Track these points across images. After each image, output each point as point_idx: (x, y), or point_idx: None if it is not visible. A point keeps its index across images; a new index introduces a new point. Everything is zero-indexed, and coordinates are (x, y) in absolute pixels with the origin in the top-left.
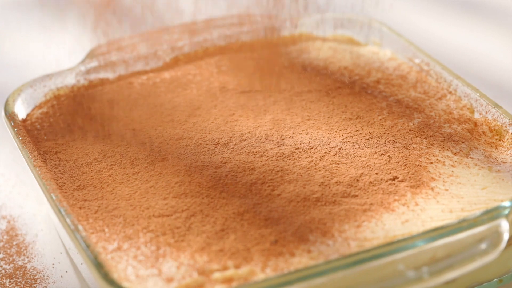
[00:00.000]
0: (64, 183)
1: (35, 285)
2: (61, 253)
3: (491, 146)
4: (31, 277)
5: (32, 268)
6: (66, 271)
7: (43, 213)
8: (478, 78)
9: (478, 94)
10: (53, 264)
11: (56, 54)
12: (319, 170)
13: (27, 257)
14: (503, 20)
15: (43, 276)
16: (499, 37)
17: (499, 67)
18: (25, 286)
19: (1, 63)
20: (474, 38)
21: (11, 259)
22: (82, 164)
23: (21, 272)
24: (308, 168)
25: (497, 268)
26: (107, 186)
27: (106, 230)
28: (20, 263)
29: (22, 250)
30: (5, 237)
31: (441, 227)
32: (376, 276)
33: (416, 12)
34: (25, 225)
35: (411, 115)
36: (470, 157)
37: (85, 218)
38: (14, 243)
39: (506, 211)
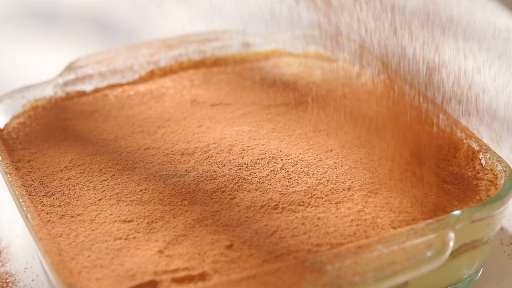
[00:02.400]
0: (34, 189)
1: None
2: (33, 258)
3: (447, 159)
4: (3, 280)
5: (5, 272)
6: (37, 275)
7: (20, 219)
8: (445, 91)
9: (438, 109)
10: (25, 268)
11: (36, 67)
12: (278, 180)
13: (1, 262)
14: (472, 37)
15: (15, 279)
16: (467, 53)
17: (463, 81)
18: None
19: None
20: (442, 53)
21: None
22: (52, 172)
23: None
24: (268, 177)
25: (451, 276)
26: (75, 193)
27: (70, 234)
28: None
29: None
30: None
31: (391, 235)
32: (323, 280)
33: (387, 27)
34: (1, 230)
35: (373, 129)
36: (426, 168)
37: (51, 223)
38: None
39: (452, 222)
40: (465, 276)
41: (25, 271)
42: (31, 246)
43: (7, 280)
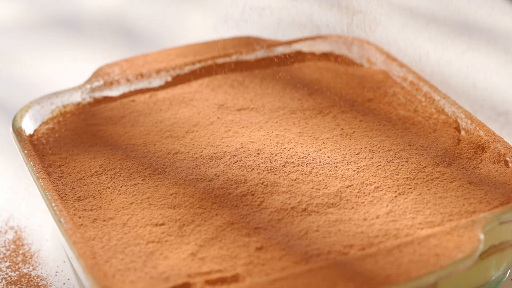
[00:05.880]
0: (66, 194)
1: None
2: (64, 261)
3: (474, 161)
4: (35, 284)
5: (36, 276)
6: (68, 279)
7: (50, 224)
8: (468, 96)
9: (463, 113)
10: (56, 272)
11: (64, 73)
12: (307, 183)
13: (32, 265)
14: (495, 42)
15: (46, 283)
16: (491, 58)
17: (490, 87)
18: None
19: (12, 81)
20: (465, 57)
21: (16, 267)
22: (83, 177)
23: (25, 280)
24: (297, 181)
25: (479, 277)
26: (106, 197)
27: (103, 238)
28: (25, 270)
29: (27, 258)
30: (12, 246)
31: (420, 237)
32: (355, 282)
33: (410, 33)
34: (31, 235)
35: (399, 132)
36: (453, 171)
37: (83, 226)
38: (20, 252)
39: (482, 224)
40: (493, 278)
41: (56, 275)
42: (61, 250)
43: (39, 284)
